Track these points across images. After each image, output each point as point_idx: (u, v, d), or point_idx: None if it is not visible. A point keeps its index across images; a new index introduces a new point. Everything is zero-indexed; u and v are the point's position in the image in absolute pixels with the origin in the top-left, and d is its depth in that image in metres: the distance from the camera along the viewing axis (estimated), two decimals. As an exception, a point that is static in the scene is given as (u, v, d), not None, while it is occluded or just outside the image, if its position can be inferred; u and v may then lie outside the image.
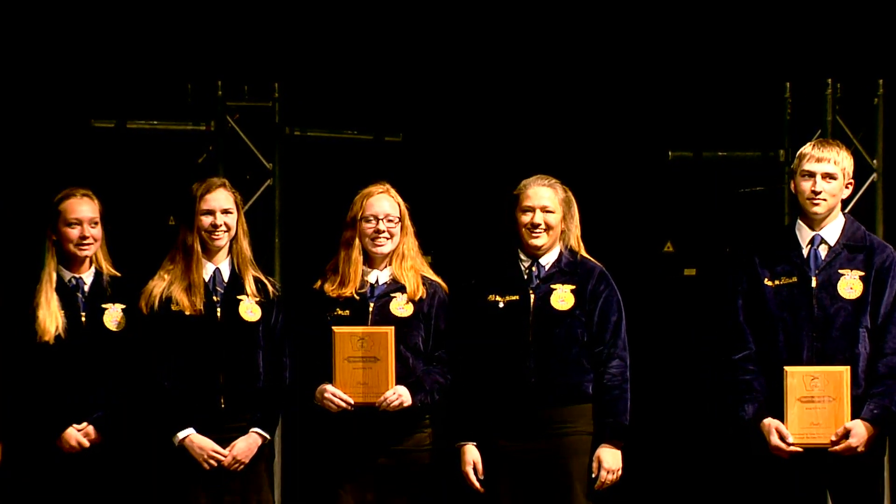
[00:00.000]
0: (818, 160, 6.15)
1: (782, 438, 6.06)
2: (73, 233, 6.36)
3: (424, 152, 8.22)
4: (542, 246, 6.35)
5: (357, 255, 6.42)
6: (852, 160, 6.23)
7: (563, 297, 6.31)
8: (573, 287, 6.33)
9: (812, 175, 6.14)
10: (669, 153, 8.25)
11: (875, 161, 7.92)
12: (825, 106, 7.91)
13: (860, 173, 7.88)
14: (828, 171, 6.15)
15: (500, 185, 6.52)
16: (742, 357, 6.17)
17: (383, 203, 6.43)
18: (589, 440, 6.29)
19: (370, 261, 6.44)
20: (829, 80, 7.91)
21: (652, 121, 8.25)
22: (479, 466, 6.32)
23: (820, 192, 6.14)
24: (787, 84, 7.94)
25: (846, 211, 7.65)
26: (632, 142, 8.27)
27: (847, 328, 6.10)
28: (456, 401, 6.38)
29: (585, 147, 8.17)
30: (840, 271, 6.14)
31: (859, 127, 7.93)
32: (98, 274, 6.42)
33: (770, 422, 6.08)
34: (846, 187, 6.20)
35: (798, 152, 6.24)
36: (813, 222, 6.18)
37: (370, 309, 6.39)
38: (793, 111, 7.96)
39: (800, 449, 6.05)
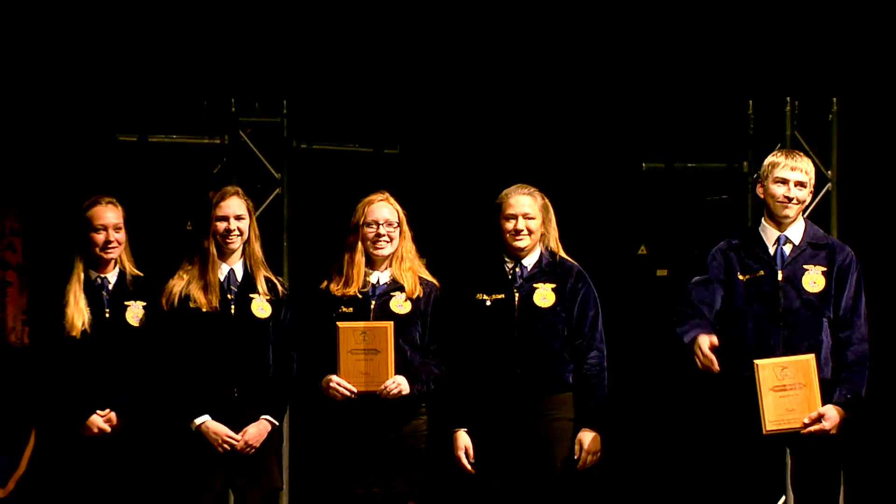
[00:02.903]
0: (792, 169, 6.21)
1: (712, 347, 6.04)
2: (99, 237, 6.38)
3: (419, 163, 8.25)
4: (525, 248, 6.37)
5: (360, 257, 6.44)
6: (814, 169, 6.32)
7: (544, 295, 6.33)
8: (554, 286, 6.35)
9: (786, 182, 6.19)
10: (644, 164, 8.29)
11: (830, 172, 7.94)
12: (785, 122, 7.93)
13: (816, 184, 7.91)
14: (800, 179, 6.22)
15: (488, 193, 6.54)
16: (688, 311, 6.16)
17: (383, 210, 6.45)
18: (571, 425, 6.31)
19: (371, 263, 6.46)
20: (789, 99, 7.94)
21: (628, 135, 8.28)
22: (471, 451, 6.33)
23: (793, 199, 6.20)
24: (751, 102, 7.98)
25: (805, 216, 7.68)
26: (609, 154, 8.32)
27: (811, 318, 6.14)
28: (449, 391, 6.38)
29: (568, 159, 8.22)
30: (804, 267, 6.18)
31: (816, 141, 7.95)
32: (122, 274, 6.44)
33: (703, 338, 6.08)
34: (810, 193, 6.29)
35: (768, 160, 6.30)
36: (780, 225, 6.23)
37: (372, 306, 6.40)
38: (755, 126, 7.99)
39: (777, 430, 6.07)
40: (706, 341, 6.06)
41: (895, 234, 8.28)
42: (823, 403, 6.11)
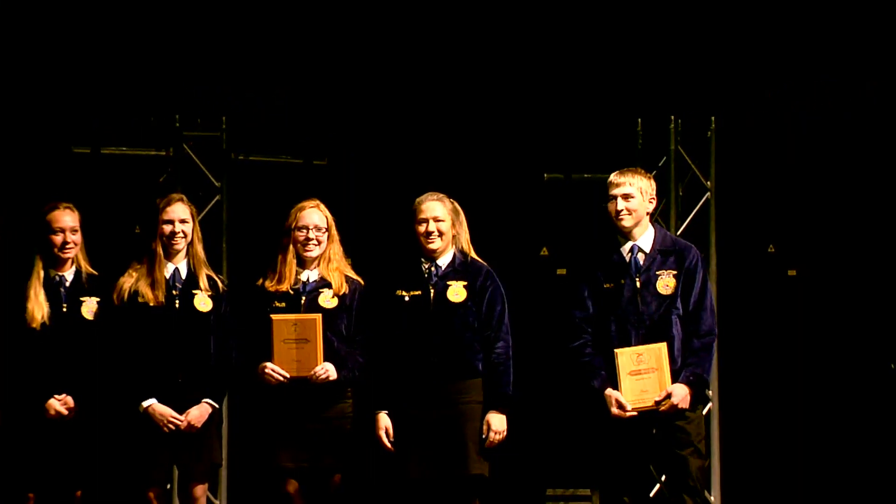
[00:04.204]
0: (617, 185, 6.27)
1: (621, 406, 6.18)
2: (58, 239, 6.41)
3: (345, 174, 8.27)
4: (437, 249, 6.43)
5: (291, 257, 6.48)
6: (650, 181, 6.32)
7: (457, 292, 6.39)
8: (465, 283, 6.40)
9: (615, 197, 6.26)
10: (545, 175, 8.37)
11: (709, 183, 7.99)
12: (669, 137, 7.96)
13: (696, 193, 8.03)
14: (625, 192, 6.25)
15: (406, 200, 6.57)
16: (579, 344, 6.27)
17: (313, 215, 6.49)
18: (480, 408, 6.36)
19: (302, 262, 6.50)
20: (673, 117, 7.97)
21: (531, 150, 8.34)
22: (391, 430, 6.37)
23: (622, 210, 6.25)
24: (639, 120, 8.00)
25: (687, 221, 7.79)
26: (515, 166, 8.37)
27: (664, 317, 6.22)
28: (372, 377, 6.43)
29: (478, 170, 8.23)
30: (657, 273, 6.24)
31: (696, 155, 7.99)
32: (78, 272, 6.46)
33: (610, 392, 6.19)
34: (649, 202, 6.30)
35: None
36: (629, 235, 6.29)
37: (302, 301, 6.45)
38: (644, 141, 8.00)
39: (635, 413, 6.17)
40: (614, 401, 6.17)
41: (767, 237, 8.45)
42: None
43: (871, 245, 8.30)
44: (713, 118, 8.02)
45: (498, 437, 6.34)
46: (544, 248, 8.46)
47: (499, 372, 6.35)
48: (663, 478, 7.66)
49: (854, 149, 8.28)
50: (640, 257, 6.27)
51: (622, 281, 6.23)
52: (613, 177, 6.29)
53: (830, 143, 8.30)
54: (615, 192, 6.25)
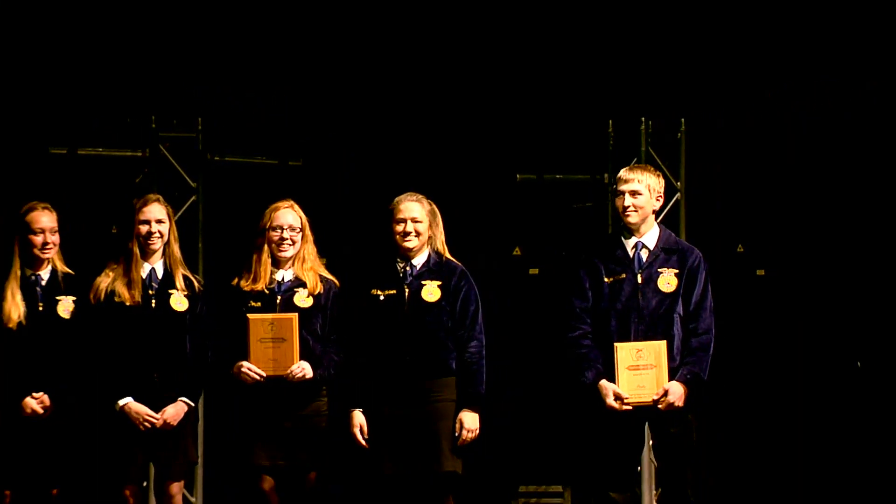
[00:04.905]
0: (626, 181, 6.30)
1: (617, 397, 6.19)
2: (38, 239, 6.38)
3: (321, 174, 8.31)
4: (414, 249, 6.43)
5: (266, 257, 6.48)
6: (658, 179, 6.35)
7: (431, 291, 6.39)
8: (439, 283, 6.40)
9: (622, 193, 6.29)
10: (517, 175, 8.41)
11: (679, 183, 8.05)
12: (640, 139, 8.01)
13: (667, 193, 8.04)
14: (633, 188, 6.28)
15: (382, 201, 6.58)
16: (577, 335, 6.28)
17: (287, 216, 6.49)
18: (453, 406, 6.37)
19: (277, 262, 6.50)
20: (643, 119, 8.02)
21: (504, 151, 8.40)
22: (365, 428, 6.38)
23: (629, 206, 6.27)
24: (610, 121, 8.05)
25: (657, 221, 7.83)
26: (488, 167, 8.43)
27: (665, 315, 6.24)
28: (346, 375, 6.43)
29: (452, 171, 8.27)
30: (659, 270, 6.26)
31: (666, 156, 8.03)
32: (53, 271, 6.44)
33: (606, 384, 6.21)
34: (656, 200, 6.33)
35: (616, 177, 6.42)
36: (632, 231, 6.31)
37: (277, 301, 6.45)
38: (615, 143, 8.04)
39: (630, 407, 6.18)
40: (611, 392, 6.20)
41: (735, 237, 8.51)
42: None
43: (838, 245, 8.36)
44: (683, 120, 8.08)
45: (470, 435, 6.34)
46: (517, 248, 8.50)
47: (472, 371, 6.35)
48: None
49: (831, 150, 8.36)
50: (644, 253, 6.28)
51: (623, 276, 6.25)
52: (623, 173, 6.32)
53: (812, 144, 8.37)
54: (623, 188, 6.28)
